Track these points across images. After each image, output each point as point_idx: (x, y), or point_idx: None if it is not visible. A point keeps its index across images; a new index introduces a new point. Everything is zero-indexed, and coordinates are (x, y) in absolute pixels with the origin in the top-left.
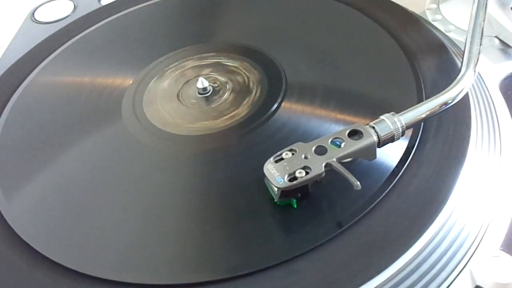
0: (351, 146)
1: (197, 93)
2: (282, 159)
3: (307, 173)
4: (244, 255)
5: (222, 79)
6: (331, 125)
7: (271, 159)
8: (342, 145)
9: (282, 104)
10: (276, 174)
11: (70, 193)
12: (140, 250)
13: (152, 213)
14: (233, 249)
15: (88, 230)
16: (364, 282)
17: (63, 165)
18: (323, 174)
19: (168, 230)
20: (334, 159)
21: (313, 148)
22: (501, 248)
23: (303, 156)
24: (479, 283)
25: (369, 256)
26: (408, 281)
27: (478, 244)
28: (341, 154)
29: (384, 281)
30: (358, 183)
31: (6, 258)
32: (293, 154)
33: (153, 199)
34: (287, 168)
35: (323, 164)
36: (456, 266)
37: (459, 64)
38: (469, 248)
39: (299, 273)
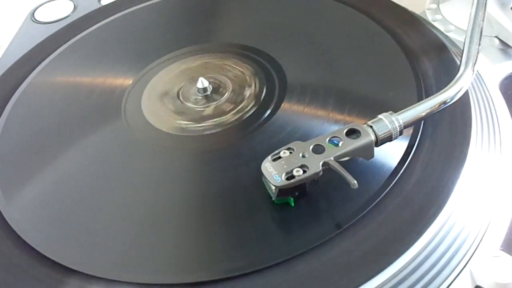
0: (348, 145)
1: (197, 93)
2: (279, 157)
3: (304, 171)
4: (243, 255)
5: (222, 79)
6: (331, 125)
7: (269, 157)
8: (340, 144)
9: (282, 104)
10: (273, 172)
11: (70, 193)
12: (140, 250)
13: (152, 213)
14: (232, 249)
15: (88, 230)
16: (364, 282)
17: (63, 165)
18: (321, 173)
19: (167, 230)
20: (332, 158)
21: (311, 147)
22: (501, 248)
23: (300, 154)
24: (479, 283)
25: (369, 256)
26: (408, 281)
27: (478, 244)
28: (338, 153)
29: (384, 281)
30: (355, 182)
31: (6, 258)
32: (290, 152)
33: (153, 199)
34: (285, 166)
35: (321, 163)
36: (456, 266)
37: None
38: (469, 248)
39: (298, 273)
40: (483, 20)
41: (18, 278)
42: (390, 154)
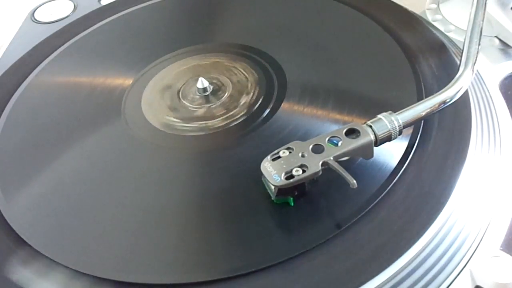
0: (348, 145)
1: (197, 93)
2: (279, 157)
3: (304, 171)
4: (243, 255)
5: (222, 79)
6: (331, 125)
7: (268, 157)
8: (339, 143)
9: (282, 104)
10: (273, 172)
11: (70, 193)
12: (140, 250)
13: (152, 213)
14: (232, 249)
15: (88, 230)
16: (363, 282)
17: (63, 165)
18: (320, 173)
19: (167, 230)
20: (331, 158)
21: (310, 147)
22: (501, 248)
23: (300, 154)
24: (479, 283)
25: (368, 256)
26: (408, 281)
27: (478, 244)
28: (338, 153)
29: (384, 281)
30: (355, 181)
31: (6, 258)
32: (290, 152)
33: (153, 199)
34: (284, 166)
35: (320, 163)
36: (456, 266)
37: None
38: (469, 248)
39: (298, 273)
40: (483, 20)
41: (18, 278)
42: (390, 154)
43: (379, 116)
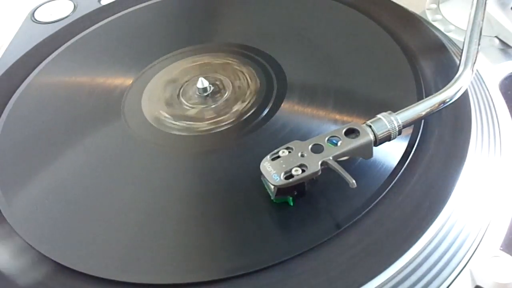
0: (347, 145)
1: (197, 93)
2: (278, 157)
3: (303, 171)
4: (243, 255)
5: (222, 79)
6: (331, 125)
7: (268, 157)
8: (339, 143)
9: (282, 104)
10: (272, 172)
11: (70, 193)
12: (140, 250)
13: (151, 213)
14: (232, 249)
15: (88, 230)
16: (364, 282)
17: (63, 165)
18: (319, 172)
19: (167, 230)
20: (331, 157)
21: (310, 146)
22: (501, 248)
23: (299, 154)
24: (479, 283)
25: (369, 256)
26: (408, 281)
27: (478, 244)
28: (337, 153)
29: (384, 281)
30: (354, 181)
31: (5, 258)
32: (289, 152)
33: (153, 199)
34: (284, 166)
35: (320, 162)
36: (456, 266)
37: None
38: (469, 248)
39: (298, 273)
40: (482, 20)
41: (18, 278)
42: (390, 154)
43: (379, 116)
